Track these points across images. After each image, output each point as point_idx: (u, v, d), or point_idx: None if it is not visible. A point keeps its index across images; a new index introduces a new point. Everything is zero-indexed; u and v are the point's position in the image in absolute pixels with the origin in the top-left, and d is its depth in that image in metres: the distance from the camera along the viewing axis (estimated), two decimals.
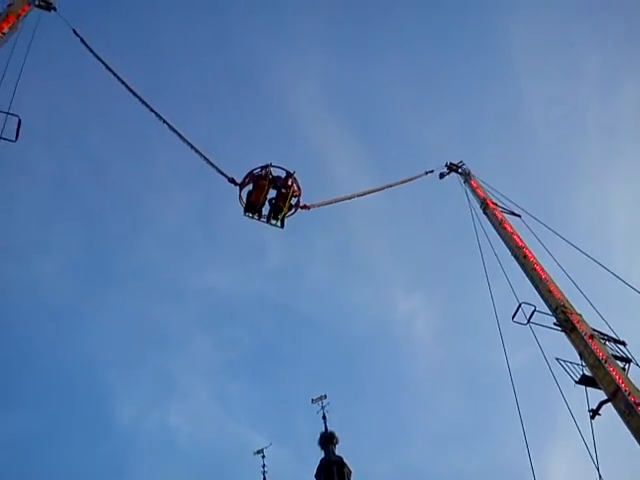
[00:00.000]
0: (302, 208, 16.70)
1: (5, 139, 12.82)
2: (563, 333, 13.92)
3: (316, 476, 40.00)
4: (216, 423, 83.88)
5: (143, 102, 15.89)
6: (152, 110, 15.96)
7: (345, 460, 40.85)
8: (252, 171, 16.36)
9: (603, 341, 13.44)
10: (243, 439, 79.35)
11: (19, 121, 12.84)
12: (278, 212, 16.66)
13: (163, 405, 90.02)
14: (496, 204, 18.92)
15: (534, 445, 14.91)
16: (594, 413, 12.32)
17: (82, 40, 16.16)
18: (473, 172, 21.27)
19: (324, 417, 42.74)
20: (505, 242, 17.11)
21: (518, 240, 16.88)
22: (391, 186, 20.70)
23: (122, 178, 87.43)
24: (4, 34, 13.99)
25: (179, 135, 16.22)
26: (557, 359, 13.39)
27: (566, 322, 13.84)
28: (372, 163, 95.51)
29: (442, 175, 21.70)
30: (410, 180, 21.26)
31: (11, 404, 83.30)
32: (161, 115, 16.04)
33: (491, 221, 18.14)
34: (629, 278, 16.24)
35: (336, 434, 42.51)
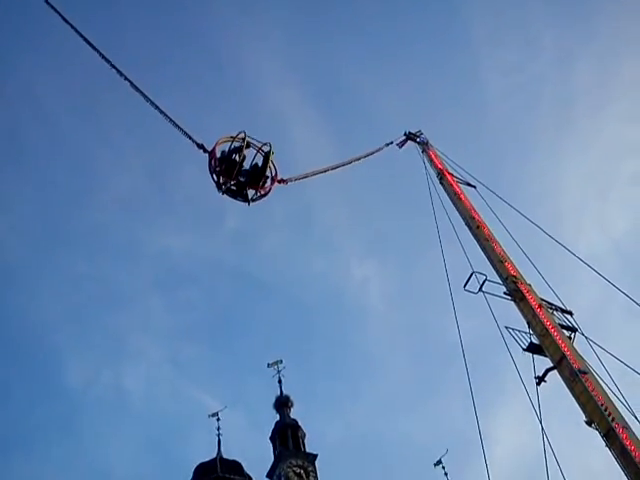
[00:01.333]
0: (279, 182, 15.23)
1: None
2: (512, 302, 14.25)
3: (271, 438, 40.63)
4: (170, 385, 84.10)
5: (104, 57, 14.74)
6: (113, 66, 14.65)
7: (300, 423, 41.59)
8: (222, 152, 14.61)
9: (551, 311, 13.82)
10: (197, 402, 79.80)
11: None
12: (250, 187, 14.96)
13: (115, 366, 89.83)
14: (452, 174, 19.10)
15: (482, 409, 15.44)
16: (540, 380, 12.71)
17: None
18: (431, 142, 21.40)
19: (280, 381, 43.39)
20: (460, 212, 17.33)
21: (472, 210, 17.12)
22: (358, 159, 20.14)
23: (75, 136, 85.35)
24: None
25: (143, 94, 14.54)
26: (507, 327, 13.72)
27: (516, 292, 14.16)
28: (331, 129, 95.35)
29: (401, 144, 21.78)
30: (373, 153, 21.04)
31: None
32: (122, 72, 14.88)
33: (447, 191, 18.32)
34: (577, 249, 16.77)
35: (291, 398, 43.22)
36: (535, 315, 13.36)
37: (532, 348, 13.16)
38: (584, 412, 11.39)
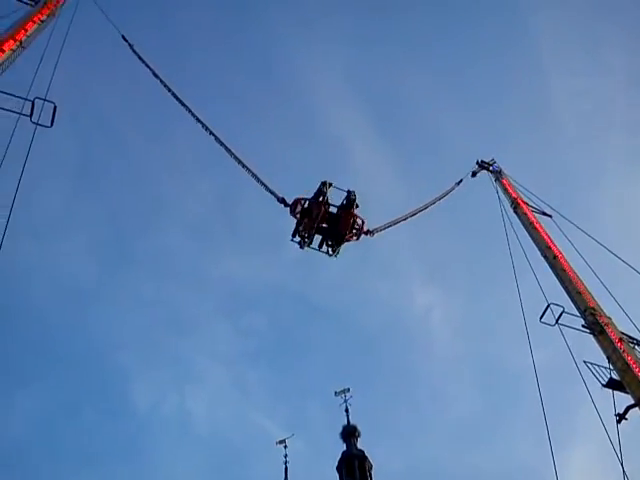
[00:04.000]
0: (366, 234, 15.11)
1: (41, 125, 13.05)
2: (591, 335, 13.78)
3: (337, 469, 40.16)
4: (235, 410, 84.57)
5: (187, 109, 15.38)
6: (197, 119, 15.33)
7: (367, 454, 41.01)
8: (304, 200, 14.61)
9: (632, 345, 13.29)
10: (263, 428, 79.90)
11: (54, 108, 13.05)
12: (334, 242, 14.88)
13: (181, 390, 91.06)
14: (527, 203, 18.76)
15: (554, 444, 14.84)
16: (620, 417, 12.20)
17: (130, 46, 16.36)
18: (505, 170, 21.14)
19: (347, 410, 42.95)
20: (535, 242, 16.97)
21: (549, 241, 16.73)
22: (433, 203, 20.17)
23: (145, 161, 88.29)
24: (42, 21, 14.33)
25: (226, 149, 15.23)
26: (585, 362, 13.25)
27: (594, 325, 13.70)
28: (394, 156, 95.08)
29: (474, 173, 21.62)
30: (446, 195, 20.94)
31: (31, 382, 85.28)
32: (205, 123, 15.44)
33: (522, 221, 17.99)
34: None
35: (358, 427, 42.70)
36: (615, 349, 12.87)
37: (612, 384, 12.66)
38: None
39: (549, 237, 17.07)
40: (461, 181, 21.64)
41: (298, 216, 14.33)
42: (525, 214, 18.17)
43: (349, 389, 43.25)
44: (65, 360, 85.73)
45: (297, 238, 14.52)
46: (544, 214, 18.56)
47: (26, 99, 12.79)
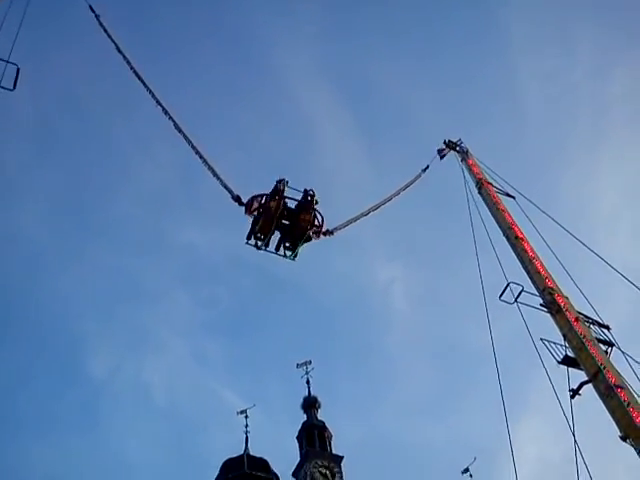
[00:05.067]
0: (325, 235, 14.13)
1: (3, 88, 12.66)
2: (549, 314, 14.30)
3: (298, 438, 40.97)
4: (194, 381, 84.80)
5: (148, 89, 14.72)
6: (157, 102, 14.58)
7: (327, 425, 41.85)
8: (261, 197, 13.63)
9: (587, 324, 13.85)
10: (222, 399, 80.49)
11: (17, 70, 12.52)
12: (292, 243, 13.90)
13: (138, 359, 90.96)
14: (491, 184, 19.16)
15: (510, 418, 15.45)
16: (574, 393, 12.73)
17: (97, 17, 15.83)
18: (471, 151, 21.47)
19: (308, 382, 43.69)
20: (498, 223, 17.37)
21: (511, 221, 17.16)
22: (398, 193, 19.70)
23: (107, 130, 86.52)
24: None
25: (185, 137, 14.30)
26: (542, 339, 13.77)
27: (552, 304, 14.20)
28: (362, 135, 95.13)
29: (441, 153, 21.89)
30: (412, 183, 20.76)
31: None
32: (165, 107, 14.57)
33: (485, 201, 18.38)
34: (612, 261, 16.71)
35: (319, 399, 43.50)
36: (572, 328, 13.40)
37: (567, 361, 13.20)
38: (619, 427, 11.41)
39: (512, 218, 17.51)
40: (427, 167, 21.77)
41: (255, 213, 13.48)
42: (489, 194, 18.57)
43: (310, 361, 44.05)
44: (18, 327, 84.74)
45: (252, 240, 13.74)
46: (508, 195, 18.97)
47: None
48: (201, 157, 14.05)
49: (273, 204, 13.37)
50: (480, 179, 19.14)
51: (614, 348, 13.38)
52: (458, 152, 21.40)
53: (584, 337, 13.01)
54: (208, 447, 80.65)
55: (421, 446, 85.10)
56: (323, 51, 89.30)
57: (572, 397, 12.83)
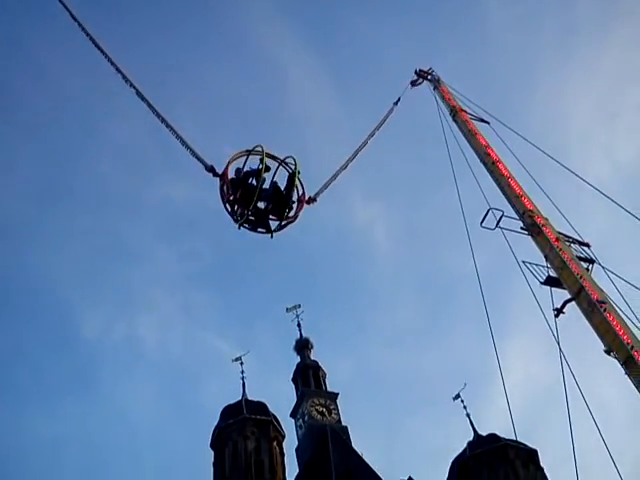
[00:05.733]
0: (308, 203, 12.83)
1: None
2: (529, 237, 14.33)
3: (293, 380, 41.62)
4: (185, 333, 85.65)
5: (105, 54, 13.58)
6: (117, 69, 13.41)
7: (320, 364, 42.50)
8: (236, 170, 12.25)
9: (568, 243, 13.91)
10: (215, 348, 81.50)
11: None
12: (274, 218, 12.52)
13: (128, 317, 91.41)
14: (465, 111, 18.90)
15: (496, 341, 15.71)
16: (558, 311, 12.89)
17: None
18: (442, 78, 21.10)
19: (299, 325, 44.15)
20: (474, 149, 17.24)
21: (487, 147, 17.01)
22: (372, 135, 18.71)
23: (70, 93, 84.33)
24: None
25: (147, 104, 13.09)
26: (524, 262, 13.83)
27: (533, 226, 14.22)
28: (330, 70, 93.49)
29: (413, 83, 21.51)
30: (384, 120, 19.97)
31: None
32: (124, 73, 13.44)
33: (461, 129, 18.18)
34: (586, 175, 16.73)
35: (310, 340, 44.06)
36: (552, 248, 13.46)
37: (550, 281, 13.30)
38: (603, 342, 11.61)
39: (487, 143, 17.35)
40: (399, 100, 21.26)
41: (229, 193, 12.14)
42: (464, 122, 18.33)
43: (300, 305, 44.37)
44: (5, 299, 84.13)
45: (236, 216, 12.38)
46: (482, 121, 18.75)
47: None
48: (168, 126, 12.86)
49: (250, 188, 12.00)
50: (454, 106, 18.88)
51: (595, 265, 13.48)
52: (430, 81, 21.04)
53: (565, 256, 13.06)
54: (206, 396, 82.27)
55: (411, 375, 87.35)
56: None
57: (556, 316, 13.01)
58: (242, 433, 29.98)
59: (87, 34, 14.06)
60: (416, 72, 21.63)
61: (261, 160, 11.95)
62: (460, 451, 31.97)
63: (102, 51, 13.81)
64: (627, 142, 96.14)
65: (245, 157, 12.17)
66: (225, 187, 12.22)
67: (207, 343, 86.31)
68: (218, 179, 12.31)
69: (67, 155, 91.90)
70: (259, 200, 12.00)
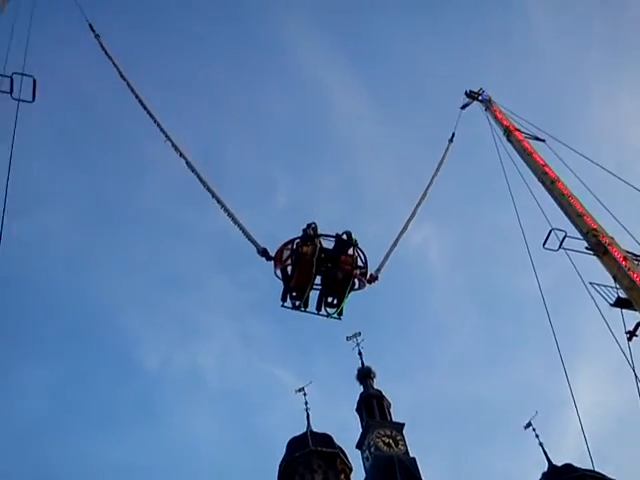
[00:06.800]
0: (369, 282, 11.74)
1: (23, 100, 12.70)
2: (595, 257, 13.76)
3: (357, 410, 41.07)
4: (245, 362, 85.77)
5: (157, 123, 13.72)
6: (167, 137, 13.41)
7: (384, 393, 41.84)
8: (289, 242, 11.48)
9: (636, 262, 13.29)
10: (276, 378, 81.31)
11: (34, 82, 12.59)
12: (335, 296, 11.56)
13: (188, 347, 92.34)
14: (519, 130, 18.50)
15: (557, 362, 15.00)
16: (631, 334, 12.30)
17: (96, 37, 15.57)
18: (493, 98, 20.76)
19: (360, 353, 43.66)
20: (531, 168, 16.78)
21: (544, 165, 16.55)
22: (431, 183, 17.85)
23: (120, 126, 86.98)
24: None
25: (201, 180, 12.80)
26: (591, 283, 13.27)
27: (598, 245, 13.65)
28: (371, 91, 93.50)
29: (464, 106, 21.28)
30: (443, 159, 19.46)
31: (35, 356, 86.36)
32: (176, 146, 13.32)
33: (516, 148, 17.76)
34: None
35: (373, 369, 43.46)
36: (620, 268, 12.86)
37: (620, 303, 12.71)
38: None
39: (544, 162, 16.88)
40: (453, 135, 20.99)
41: (288, 262, 11.40)
42: (519, 141, 17.92)
43: (360, 333, 43.90)
44: (65, 330, 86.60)
45: (289, 302, 11.62)
46: (537, 139, 18.29)
47: (3, 75, 12.35)
48: (219, 202, 12.42)
49: (307, 248, 11.14)
50: (507, 126, 18.48)
51: None
52: (481, 102, 20.71)
53: (634, 276, 12.46)
54: (269, 426, 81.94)
55: (478, 404, 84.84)
56: (326, 12, 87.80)
57: (629, 339, 12.40)
58: (309, 466, 29.74)
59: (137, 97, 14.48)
60: (466, 93, 21.35)
61: (314, 232, 11.27)
62: None
63: (155, 121, 14.04)
64: None
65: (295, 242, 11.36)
66: (283, 262, 11.48)
67: (267, 372, 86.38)
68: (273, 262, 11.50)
69: (120, 187, 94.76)
70: (319, 267, 11.15)
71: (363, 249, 11.48)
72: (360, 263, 11.49)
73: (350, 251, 11.35)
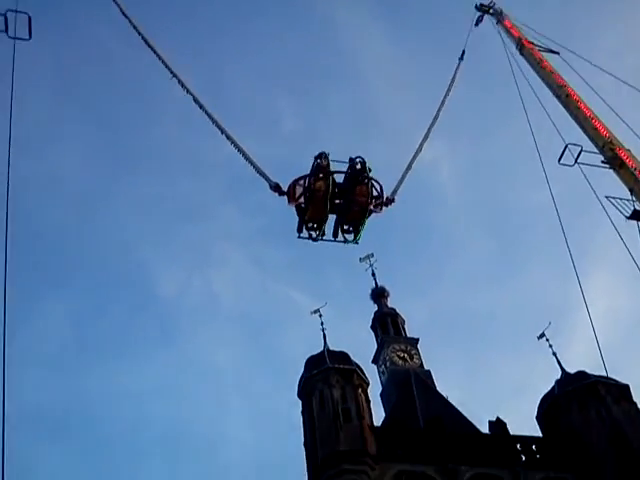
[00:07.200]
0: (386, 205, 11.64)
1: (20, 39, 12.52)
2: (611, 170, 13.77)
3: (372, 327, 42.09)
4: (260, 286, 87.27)
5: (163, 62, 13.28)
6: (175, 77, 13.06)
7: (398, 311, 42.73)
8: (301, 178, 11.24)
9: None
10: (292, 300, 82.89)
11: (29, 18, 12.39)
12: (352, 224, 11.56)
13: (202, 274, 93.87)
14: (532, 42, 18.10)
15: (569, 272, 15.23)
16: None
17: None
18: (504, 10, 20.22)
19: (373, 274, 44.29)
20: (545, 82, 16.55)
21: (559, 79, 16.29)
22: (443, 103, 17.60)
23: (126, 62, 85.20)
24: None
25: (210, 117, 12.52)
26: (607, 197, 13.32)
27: (614, 159, 13.64)
28: (378, 8, 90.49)
29: (477, 22, 20.74)
30: (454, 80, 19.14)
31: (54, 291, 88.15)
32: (185, 85, 13.06)
33: (529, 62, 17.45)
34: None
35: (386, 288, 44.22)
36: (637, 180, 12.91)
37: (636, 215, 12.81)
38: None
39: (559, 75, 16.61)
40: (464, 53, 20.62)
41: (301, 200, 11.23)
42: (532, 54, 17.58)
43: (372, 254, 44.36)
44: (83, 265, 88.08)
45: (305, 233, 11.62)
46: (551, 51, 17.95)
47: None
48: (229, 138, 12.24)
49: (320, 184, 10.98)
50: (519, 38, 18.10)
51: None
52: (492, 15, 20.18)
53: None
54: (287, 346, 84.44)
55: (491, 316, 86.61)
56: None
57: None
58: (327, 382, 30.63)
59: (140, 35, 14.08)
60: (476, 7, 20.81)
61: (326, 162, 11.04)
62: (548, 389, 31.72)
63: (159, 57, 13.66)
64: None
65: (310, 178, 11.12)
66: (297, 199, 11.31)
67: (283, 295, 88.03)
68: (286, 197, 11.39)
69: (127, 124, 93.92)
70: (334, 200, 11.09)
71: (377, 178, 11.32)
72: (375, 193, 11.39)
73: (365, 181, 11.18)
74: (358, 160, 11.08)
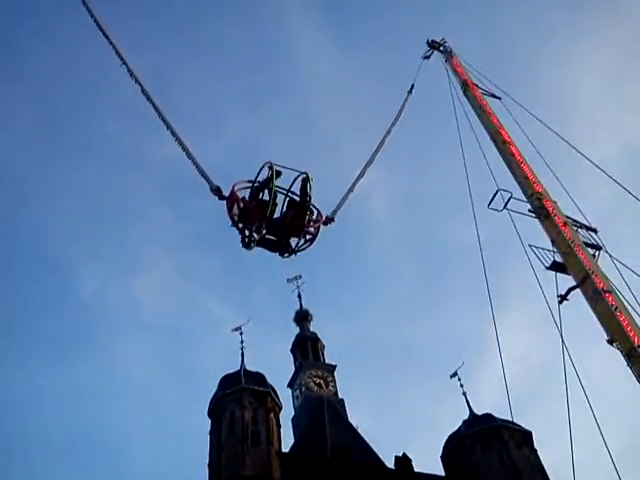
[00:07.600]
0: (325, 224, 11.43)
1: None
2: (537, 220, 13.91)
3: (291, 351, 41.63)
4: (183, 296, 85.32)
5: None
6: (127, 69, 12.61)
7: (319, 336, 42.44)
8: (240, 200, 10.84)
9: (575, 228, 13.50)
10: (214, 315, 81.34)
11: None
12: (290, 237, 11.11)
13: (126, 278, 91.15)
14: (477, 85, 18.34)
15: (487, 314, 15.38)
16: (562, 298, 12.53)
17: None
18: (455, 51, 20.48)
19: (299, 296, 43.99)
20: (485, 126, 16.71)
21: (498, 124, 16.49)
22: (389, 132, 17.54)
23: (71, 46, 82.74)
24: None
25: (153, 106, 12.22)
26: (530, 245, 13.43)
27: (540, 209, 13.79)
28: (334, 28, 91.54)
29: (427, 56, 20.97)
30: (400, 113, 19.17)
31: None
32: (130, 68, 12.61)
33: (471, 103, 17.64)
34: (589, 153, 16.23)
35: (310, 312, 43.93)
36: (560, 233, 13.05)
37: (555, 266, 12.93)
38: (606, 331, 11.25)
39: (499, 121, 16.82)
40: (413, 87, 20.74)
41: (235, 218, 10.86)
42: (475, 97, 17.78)
43: (300, 276, 44.10)
44: (5, 255, 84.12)
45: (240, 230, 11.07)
46: (493, 96, 18.20)
47: None
48: (173, 134, 11.83)
49: (257, 212, 10.64)
50: (465, 80, 18.30)
51: (601, 252, 13.09)
52: (442, 52, 20.42)
53: (572, 241, 12.68)
54: (202, 362, 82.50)
55: (409, 349, 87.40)
56: None
57: (560, 302, 12.64)
58: (240, 403, 29.91)
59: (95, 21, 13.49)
60: (428, 43, 21.04)
61: (270, 169, 10.48)
62: (455, 429, 31.95)
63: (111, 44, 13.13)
64: (637, 120, 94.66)
65: (251, 183, 10.72)
66: (235, 206, 10.87)
67: (204, 308, 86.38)
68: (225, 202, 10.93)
69: (69, 114, 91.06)
70: (271, 216, 10.59)
71: (317, 194, 10.91)
72: (314, 218, 11.11)
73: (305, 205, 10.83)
74: (302, 175, 10.70)
